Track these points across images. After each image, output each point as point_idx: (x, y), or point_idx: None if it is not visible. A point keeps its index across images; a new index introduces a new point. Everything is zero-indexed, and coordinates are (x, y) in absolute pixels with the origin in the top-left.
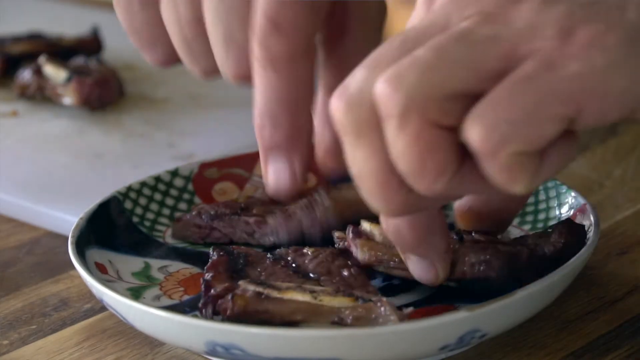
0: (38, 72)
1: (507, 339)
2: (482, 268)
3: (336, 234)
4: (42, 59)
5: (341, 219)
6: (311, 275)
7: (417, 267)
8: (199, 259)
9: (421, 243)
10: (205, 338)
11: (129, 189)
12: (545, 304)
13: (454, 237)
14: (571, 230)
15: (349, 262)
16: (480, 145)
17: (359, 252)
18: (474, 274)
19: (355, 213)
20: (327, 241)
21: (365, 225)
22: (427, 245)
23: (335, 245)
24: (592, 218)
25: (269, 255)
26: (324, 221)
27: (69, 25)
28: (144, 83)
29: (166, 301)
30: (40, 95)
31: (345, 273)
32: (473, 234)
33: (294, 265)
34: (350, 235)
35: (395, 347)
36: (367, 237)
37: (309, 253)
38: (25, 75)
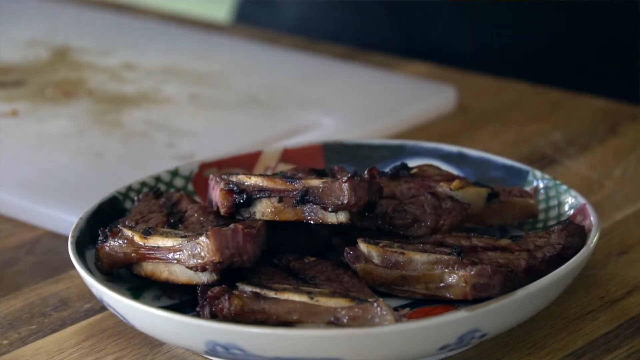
0: None
1: (507, 339)
2: (482, 288)
3: (334, 241)
4: None
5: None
6: (310, 280)
7: None
8: None
9: None
10: (205, 338)
11: (129, 189)
12: (545, 304)
13: (453, 252)
14: (571, 231)
15: (349, 272)
16: None
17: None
18: (475, 295)
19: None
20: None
21: (363, 247)
22: None
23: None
24: (592, 218)
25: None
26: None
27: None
28: (144, 83)
29: (166, 301)
30: None
31: (344, 278)
32: (472, 239)
33: (292, 270)
34: (348, 257)
35: (395, 346)
36: (366, 260)
37: (310, 261)
38: None
